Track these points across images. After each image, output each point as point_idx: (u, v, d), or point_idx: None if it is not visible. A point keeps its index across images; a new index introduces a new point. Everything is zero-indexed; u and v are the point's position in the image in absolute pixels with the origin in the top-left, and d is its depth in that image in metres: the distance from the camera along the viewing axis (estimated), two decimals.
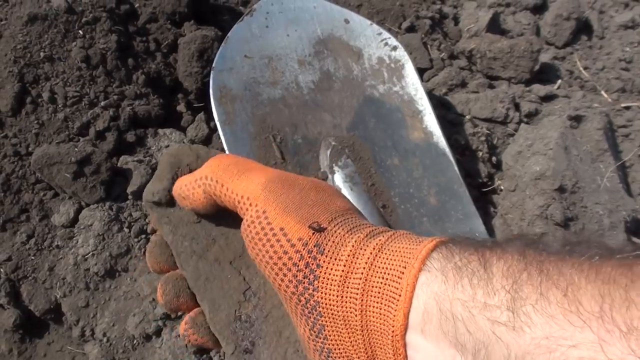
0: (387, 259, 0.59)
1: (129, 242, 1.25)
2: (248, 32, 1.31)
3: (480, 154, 1.47)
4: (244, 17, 1.33)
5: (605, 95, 1.71)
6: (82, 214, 1.27)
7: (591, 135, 1.48)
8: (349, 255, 0.60)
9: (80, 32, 1.35)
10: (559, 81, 1.72)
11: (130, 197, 1.29)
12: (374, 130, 1.32)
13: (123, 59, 1.39)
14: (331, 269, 0.61)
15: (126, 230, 1.26)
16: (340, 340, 0.61)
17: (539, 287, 0.47)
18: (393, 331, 0.56)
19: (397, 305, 0.56)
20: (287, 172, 0.71)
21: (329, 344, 0.62)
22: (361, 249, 0.61)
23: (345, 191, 1.20)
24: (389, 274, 0.57)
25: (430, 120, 1.34)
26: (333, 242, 0.62)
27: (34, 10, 1.31)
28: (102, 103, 1.33)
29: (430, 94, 1.37)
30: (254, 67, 1.30)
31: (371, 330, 0.58)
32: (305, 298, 0.62)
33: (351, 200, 0.75)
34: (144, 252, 1.25)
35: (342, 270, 0.60)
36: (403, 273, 0.56)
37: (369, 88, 1.36)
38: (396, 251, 0.59)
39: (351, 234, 0.63)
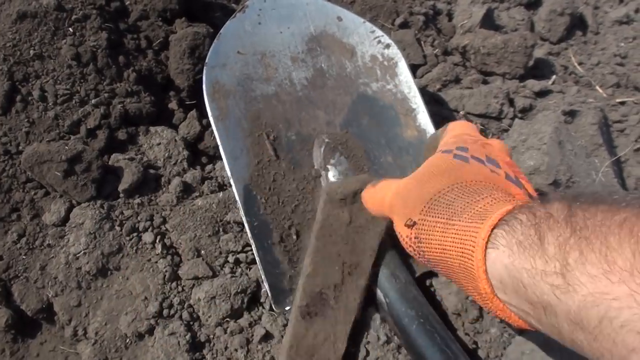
0: (462, 241, 0.75)
1: (121, 240, 1.24)
2: (241, 28, 1.31)
3: None
4: (237, 13, 1.32)
5: (600, 91, 1.71)
6: (73, 212, 1.26)
7: (586, 130, 1.48)
8: (440, 241, 0.79)
9: (70, 29, 1.34)
10: (554, 76, 1.71)
11: (121, 195, 1.28)
12: (368, 127, 1.32)
13: (114, 56, 1.38)
14: (430, 253, 0.81)
15: (118, 228, 1.25)
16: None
17: (583, 252, 0.58)
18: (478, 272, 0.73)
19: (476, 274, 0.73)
20: (398, 181, 0.96)
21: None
22: (446, 231, 0.78)
23: None
24: (466, 255, 0.74)
25: (424, 118, 1.34)
26: (425, 231, 0.81)
27: (23, 8, 1.30)
28: (93, 101, 1.32)
29: (423, 90, 1.37)
30: (247, 63, 1.30)
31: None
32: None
33: None
34: (136, 251, 1.24)
35: (438, 253, 0.79)
36: (473, 252, 0.72)
37: (362, 85, 1.36)
38: (467, 231, 0.75)
39: (437, 219, 0.80)
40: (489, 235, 0.70)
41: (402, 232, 0.86)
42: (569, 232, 0.61)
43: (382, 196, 0.98)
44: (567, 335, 0.61)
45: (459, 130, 1.05)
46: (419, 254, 0.84)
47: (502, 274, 0.68)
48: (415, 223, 0.82)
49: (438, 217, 0.80)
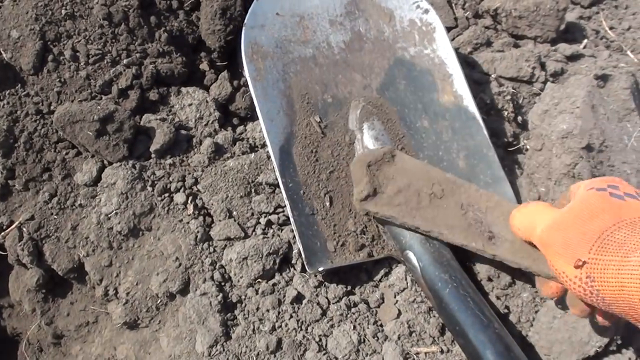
0: None
1: (153, 200, 1.24)
2: None
3: (506, 113, 1.46)
4: None
5: (632, 56, 1.69)
6: (105, 172, 1.25)
7: (618, 94, 1.46)
8: (617, 278, 0.79)
9: None
10: (585, 41, 1.69)
11: (153, 155, 1.28)
12: (404, 92, 1.32)
13: (145, 16, 1.36)
14: (605, 291, 0.81)
15: (149, 189, 1.24)
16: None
17: None
18: None
19: None
20: (556, 212, 0.96)
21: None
22: (622, 268, 0.79)
23: None
24: None
25: (461, 84, 1.34)
26: (599, 270, 0.81)
27: None
28: (125, 61, 1.31)
29: (455, 53, 1.36)
30: (285, 25, 1.29)
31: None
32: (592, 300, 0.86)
33: None
34: (167, 211, 1.24)
35: (616, 290, 0.80)
36: None
37: (400, 50, 1.35)
38: None
39: (611, 258, 0.81)
40: None
41: (568, 272, 0.87)
42: None
43: (531, 222, 1.01)
44: None
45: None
46: (591, 293, 0.83)
47: None
48: (585, 262, 0.82)
49: (611, 255, 0.80)
